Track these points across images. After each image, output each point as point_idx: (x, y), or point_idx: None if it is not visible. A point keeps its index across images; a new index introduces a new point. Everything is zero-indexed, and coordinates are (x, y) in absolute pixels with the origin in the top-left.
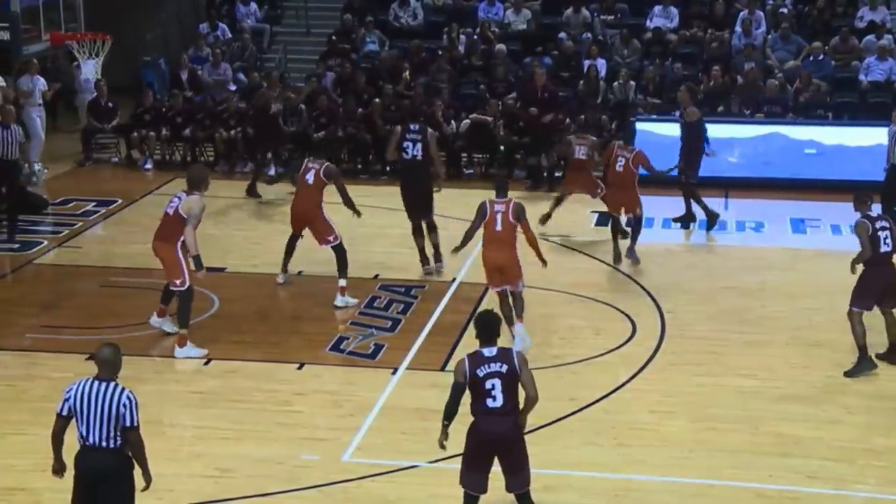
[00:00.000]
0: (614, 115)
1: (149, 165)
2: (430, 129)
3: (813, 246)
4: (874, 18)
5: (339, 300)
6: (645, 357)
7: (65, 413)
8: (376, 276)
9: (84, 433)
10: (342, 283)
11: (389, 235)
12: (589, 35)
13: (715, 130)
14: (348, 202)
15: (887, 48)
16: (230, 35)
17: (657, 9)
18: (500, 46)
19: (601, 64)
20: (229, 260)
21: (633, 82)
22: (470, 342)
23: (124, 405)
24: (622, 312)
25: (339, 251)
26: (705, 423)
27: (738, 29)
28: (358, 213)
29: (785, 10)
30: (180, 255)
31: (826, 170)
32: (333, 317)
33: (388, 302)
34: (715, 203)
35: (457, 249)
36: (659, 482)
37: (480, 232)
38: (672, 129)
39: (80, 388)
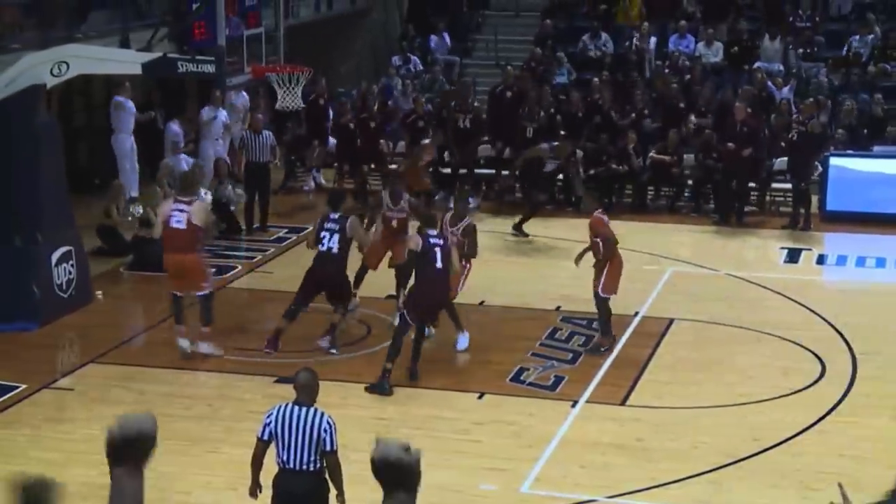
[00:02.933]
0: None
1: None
2: (350, 220)
3: None
4: None
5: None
6: (835, 399)
7: (265, 438)
8: (558, 308)
9: (284, 457)
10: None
11: (572, 267)
12: (781, 67)
13: None
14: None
15: None
16: (421, 67)
17: (855, 39)
18: (689, 78)
19: (793, 94)
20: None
21: (824, 118)
22: (651, 377)
23: (325, 430)
24: (811, 352)
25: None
26: None
27: None
28: None
29: None
30: (202, 261)
31: None
32: (515, 347)
33: (570, 334)
34: None
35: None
36: None
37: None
38: (867, 165)
39: (280, 412)
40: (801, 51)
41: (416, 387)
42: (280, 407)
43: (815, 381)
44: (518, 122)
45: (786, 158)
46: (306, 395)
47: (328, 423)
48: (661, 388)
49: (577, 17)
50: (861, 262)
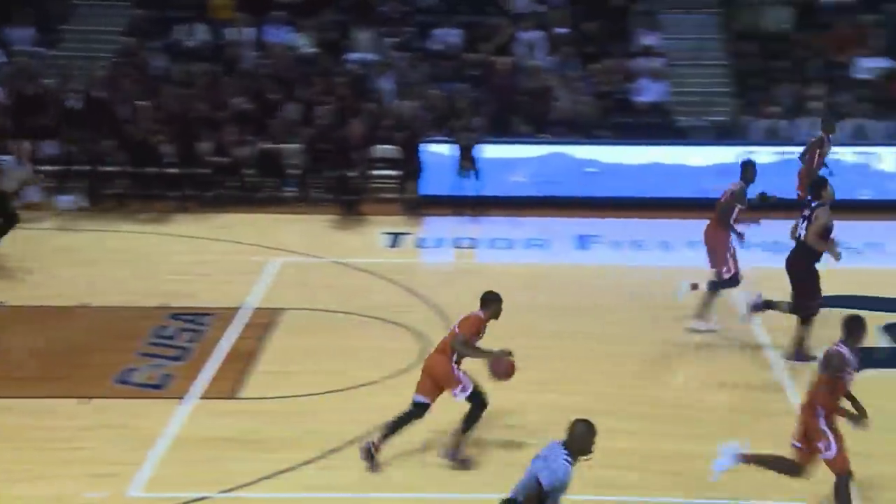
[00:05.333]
0: (404, 136)
1: None
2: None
3: (596, 261)
4: (648, 42)
5: None
6: None
7: None
8: (163, 306)
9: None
10: None
11: (177, 262)
12: (376, 56)
13: (501, 151)
14: None
15: (659, 71)
16: (5, 59)
17: (442, 31)
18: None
19: (388, 84)
20: (6, 293)
21: (418, 102)
22: (263, 368)
23: (553, 469)
24: (417, 332)
25: None
26: (507, 438)
27: (521, 51)
28: None
29: (563, 32)
30: None
31: (606, 187)
32: (119, 348)
33: (177, 331)
34: (502, 222)
35: None
36: (456, 498)
37: None
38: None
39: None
40: (392, 41)
41: (12, 397)
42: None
43: (423, 360)
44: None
45: (388, 147)
46: (571, 442)
47: (561, 467)
48: (274, 378)
49: (170, 8)
50: (457, 243)
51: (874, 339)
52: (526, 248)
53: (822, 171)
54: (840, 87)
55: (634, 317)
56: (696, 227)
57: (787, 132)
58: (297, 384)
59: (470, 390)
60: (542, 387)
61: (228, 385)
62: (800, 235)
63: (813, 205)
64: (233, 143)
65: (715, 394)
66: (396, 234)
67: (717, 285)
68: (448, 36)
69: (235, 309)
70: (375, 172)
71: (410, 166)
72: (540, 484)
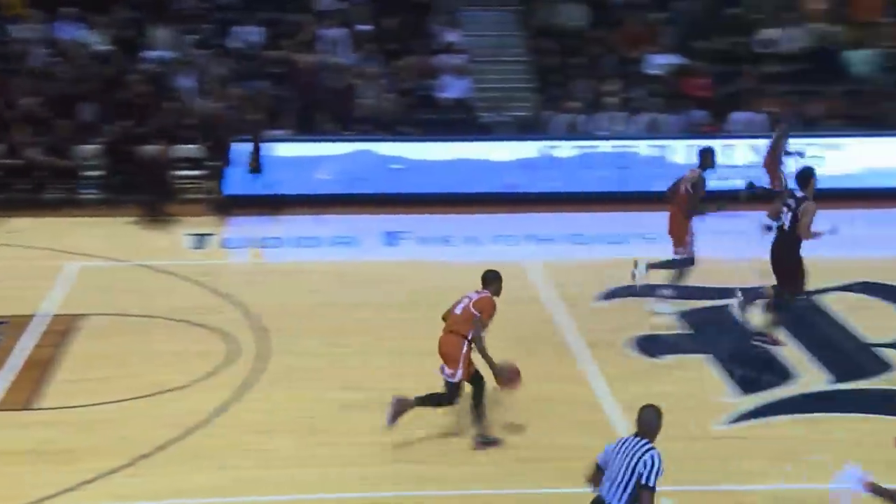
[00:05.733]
0: (206, 134)
1: None
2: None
3: (405, 257)
4: (449, 39)
5: None
6: (249, 377)
7: (599, 461)
8: None
9: (603, 490)
10: None
11: None
12: (175, 54)
13: (306, 149)
14: None
15: (461, 67)
16: None
17: (242, 28)
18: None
19: (188, 83)
20: None
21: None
22: (64, 377)
23: (644, 463)
24: (225, 334)
25: None
26: (313, 439)
27: (324, 48)
28: None
29: (365, 29)
30: None
31: (412, 184)
32: None
33: None
34: (308, 221)
35: None
36: (272, 500)
37: None
38: (266, 149)
39: (617, 444)
40: (191, 38)
41: None
42: (620, 440)
43: (231, 362)
44: None
45: (191, 146)
46: (643, 432)
47: (651, 458)
48: (74, 386)
49: None
50: (263, 242)
51: (674, 325)
52: (333, 245)
53: (789, 157)
54: (633, 83)
55: None
56: (502, 221)
57: (585, 126)
58: (101, 391)
59: (456, 380)
60: (341, 384)
61: (23, 395)
62: (784, 225)
63: (799, 195)
64: (23, 145)
65: (525, 386)
66: (201, 235)
67: (674, 263)
68: (249, 33)
69: (30, 316)
70: (179, 173)
71: (214, 166)
72: (645, 484)
